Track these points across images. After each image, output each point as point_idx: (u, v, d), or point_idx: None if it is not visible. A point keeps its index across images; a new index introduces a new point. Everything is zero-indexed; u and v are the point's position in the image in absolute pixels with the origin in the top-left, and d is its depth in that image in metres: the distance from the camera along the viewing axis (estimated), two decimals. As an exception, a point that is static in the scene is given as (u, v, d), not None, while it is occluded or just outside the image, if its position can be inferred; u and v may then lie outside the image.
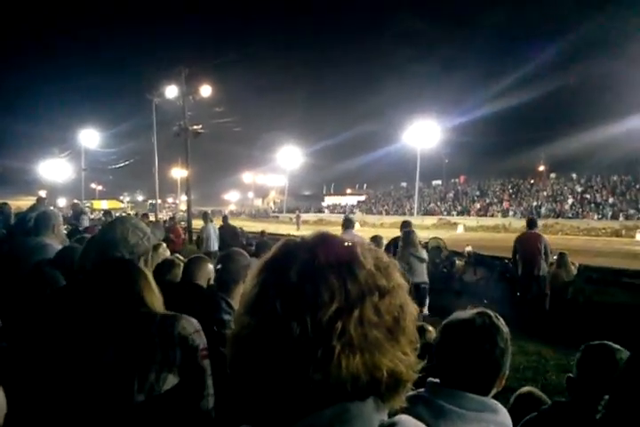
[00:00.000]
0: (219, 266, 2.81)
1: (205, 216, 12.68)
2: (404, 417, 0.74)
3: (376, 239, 7.66)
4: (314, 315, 0.66)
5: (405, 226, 8.47)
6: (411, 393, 1.40)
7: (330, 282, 0.68)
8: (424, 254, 7.52)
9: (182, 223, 25.46)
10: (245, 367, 0.70)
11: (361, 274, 0.70)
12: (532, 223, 8.73)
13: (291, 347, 0.65)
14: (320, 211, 62.46)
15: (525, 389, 2.71)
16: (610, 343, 1.98)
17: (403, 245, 7.58)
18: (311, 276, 0.68)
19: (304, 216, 51.83)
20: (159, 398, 1.52)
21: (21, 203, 22.54)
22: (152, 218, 23.28)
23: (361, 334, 0.67)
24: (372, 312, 0.68)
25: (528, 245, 8.41)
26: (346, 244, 0.74)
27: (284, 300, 0.67)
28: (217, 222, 13.53)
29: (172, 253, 5.47)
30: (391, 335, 0.70)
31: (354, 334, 0.66)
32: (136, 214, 21.24)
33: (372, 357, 0.67)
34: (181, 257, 4.81)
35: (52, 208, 6.13)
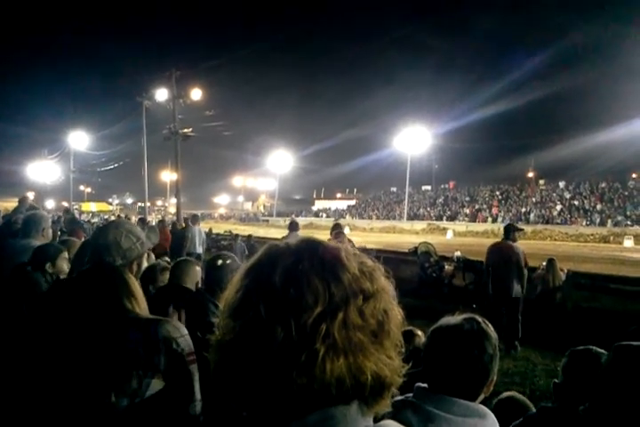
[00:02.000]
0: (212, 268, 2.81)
1: (195, 218, 12.68)
2: (389, 422, 0.73)
3: None
4: (298, 318, 0.65)
5: (336, 228, 8.30)
6: (398, 398, 1.40)
7: (314, 285, 0.67)
8: None
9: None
10: (229, 372, 0.70)
11: (345, 277, 0.70)
12: (507, 231, 7.47)
13: (275, 351, 0.65)
14: (317, 215, 62.23)
15: (505, 394, 2.68)
16: (595, 348, 1.97)
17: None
18: (295, 279, 0.68)
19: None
20: (143, 403, 1.50)
21: (9, 204, 22.36)
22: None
23: (345, 337, 0.66)
24: (357, 315, 0.68)
25: (501, 260, 7.22)
26: (330, 248, 0.74)
27: (268, 303, 0.67)
28: (205, 226, 13.51)
29: (159, 256, 5.46)
30: (375, 339, 0.69)
31: (338, 336, 0.66)
32: (128, 218, 21.09)
33: (357, 360, 0.67)
34: (168, 260, 4.81)
35: (39, 210, 6.08)
